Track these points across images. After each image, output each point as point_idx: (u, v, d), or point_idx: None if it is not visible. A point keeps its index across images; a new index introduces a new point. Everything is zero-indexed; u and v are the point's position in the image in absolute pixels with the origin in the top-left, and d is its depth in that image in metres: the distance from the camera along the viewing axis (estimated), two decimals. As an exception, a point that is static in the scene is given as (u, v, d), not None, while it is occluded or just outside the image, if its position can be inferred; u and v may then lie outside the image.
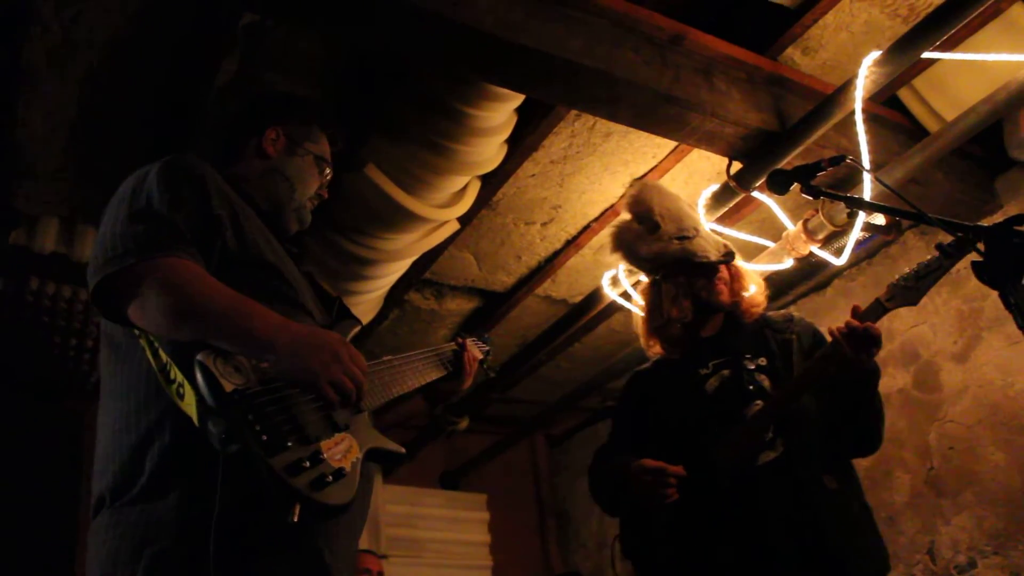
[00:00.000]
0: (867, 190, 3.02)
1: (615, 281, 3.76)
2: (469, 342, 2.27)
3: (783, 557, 2.16)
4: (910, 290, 2.21)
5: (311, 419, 1.52)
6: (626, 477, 2.34)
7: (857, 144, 2.98)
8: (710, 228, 3.33)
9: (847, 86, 2.80)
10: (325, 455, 1.49)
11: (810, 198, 2.14)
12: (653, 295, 2.71)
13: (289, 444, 1.44)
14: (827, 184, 3.23)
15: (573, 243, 4.06)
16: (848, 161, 2.19)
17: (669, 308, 2.60)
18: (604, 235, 4.00)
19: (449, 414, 5.42)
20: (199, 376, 1.42)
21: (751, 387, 2.38)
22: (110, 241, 1.58)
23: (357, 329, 1.90)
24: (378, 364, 1.86)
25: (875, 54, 2.72)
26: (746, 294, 2.60)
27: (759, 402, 2.35)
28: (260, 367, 1.50)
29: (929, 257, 2.20)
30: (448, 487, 5.92)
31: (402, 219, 3.37)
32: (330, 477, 1.46)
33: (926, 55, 2.71)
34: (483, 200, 3.61)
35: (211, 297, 1.52)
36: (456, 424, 5.46)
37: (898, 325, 3.93)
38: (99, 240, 1.62)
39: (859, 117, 2.84)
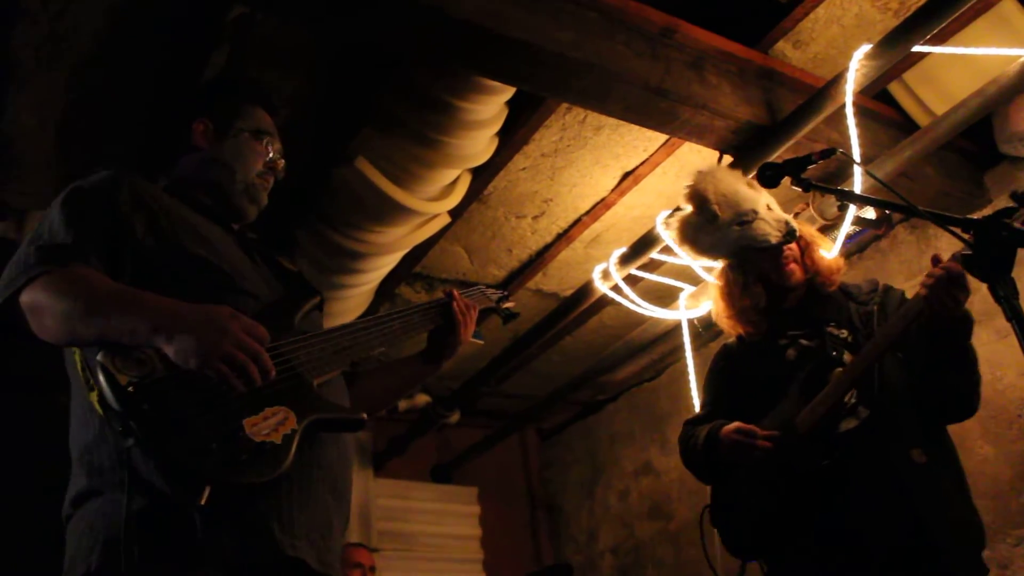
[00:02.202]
0: (858, 184, 3.02)
1: (606, 275, 3.75)
2: (459, 292, 2.12)
3: (871, 533, 2.14)
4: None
5: (232, 397, 1.46)
6: (716, 440, 2.36)
7: (848, 138, 2.98)
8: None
9: (838, 80, 2.80)
10: (246, 432, 1.43)
11: (801, 191, 2.14)
12: (725, 282, 2.65)
13: (195, 427, 1.39)
14: (818, 178, 3.24)
15: (564, 236, 4.06)
16: (839, 154, 2.19)
17: (741, 296, 2.57)
18: (596, 228, 4.04)
19: (440, 407, 5.42)
20: (100, 376, 1.39)
21: (833, 353, 2.35)
22: (9, 268, 1.60)
23: (316, 300, 1.83)
24: (337, 329, 1.76)
25: (866, 47, 2.72)
26: (821, 264, 2.54)
27: (840, 369, 2.31)
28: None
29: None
30: (439, 481, 5.91)
31: (392, 212, 3.36)
32: (244, 456, 1.41)
33: (916, 49, 2.72)
34: (474, 193, 3.60)
35: (92, 296, 1.51)
36: (447, 417, 5.46)
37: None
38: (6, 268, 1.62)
39: (849, 111, 2.84)
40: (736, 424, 2.33)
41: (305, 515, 1.57)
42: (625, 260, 3.66)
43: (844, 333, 2.39)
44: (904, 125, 3.42)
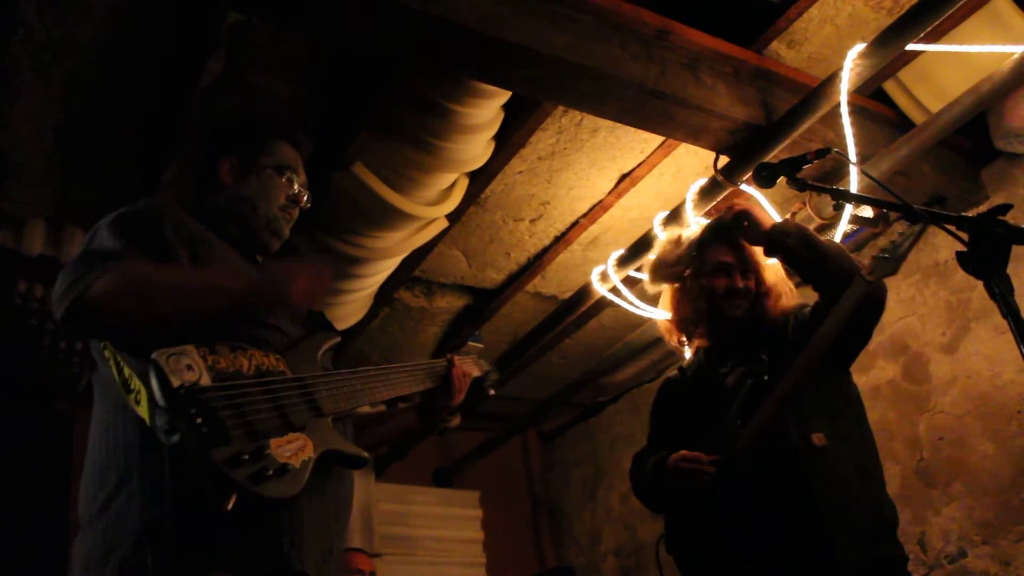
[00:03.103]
0: (854, 183, 3.04)
1: (604, 277, 3.76)
2: (459, 359, 2.32)
3: (776, 526, 2.19)
4: (889, 261, 2.24)
5: (263, 417, 1.57)
6: (664, 470, 2.40)
7: (843, 137, 2.99)
8: (696, 222, 3.35)
9: (832, 79, 2.81)
10: (272, 451, 1.53)
11: (797, 191, 2.16)
12: (679, 289, 2.72)
13: (232, 438, 1.49)
14: (814, 177, 3.27)
15: (562, 239, 4.07)
16: (834, 153, 2.21)
17: (687, 306, 2.64)
18: (593, 231, 4.04)
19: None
20: (152, 373, 1.48)
21: (765, 377, 2.39)
22: (66, 275, 1.66)
23: (336, 340, 1.96)
24: (353, 372, 1.89)
25: (860, 46, 2.73)
26: (765, 289, 2.58)
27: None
28: (216, 367, 1.56)
29: (903, 229, 2.23)
30: (441, 485, 5.90)
31: (391, 217, 3.37)
32: (271, 472, 1.49)
33: (910, 47, 2.73)
34: (471, 197, 3.61)
35: (170, 276, 1.67)
36: (448, 421, 5.46)
37: (887, 317, 3.91)
38: (58, 281, 1.69)
39: (844, 110, 2.85)
40: (683, 452, 2.37)
41: (313, 537, 1.66)
42: (623, 262, 3.67)
43: (766, 357, 2.44)
44: (899, 123, 3.43)
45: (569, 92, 2.76)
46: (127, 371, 1.60)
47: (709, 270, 2.58)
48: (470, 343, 4.67)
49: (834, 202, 3.11)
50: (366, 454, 1.77)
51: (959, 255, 1.70)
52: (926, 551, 3.64)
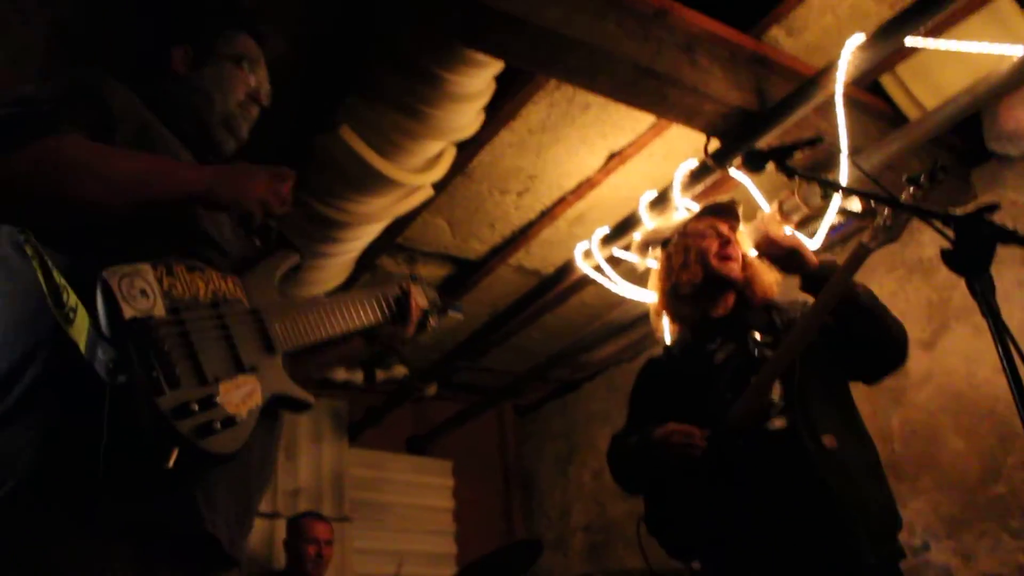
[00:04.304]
0: (844, 175, 3.02)
1: (588, 254, 3.74)
2: (415, 288, 2.10)
3: (788, 524, 2.15)
4: (891, 228, 2.20)
5: (214, 355, 1.43)
6: (650, 444, 2.34)
7: (836, 128, 2.97)
8: (685, 206, 3.33)
9: (829, 69, 2.78)
10: (220, 399, 1.39)
11: (787, 179, 2.13)
12: (664, 259, 2.67)
13: (182, 383, 1.35)
14: (805, 167, 3.25)
15: (548, 214, 4.04)
16: (825, 143, 2.19)
17: (678, 272, 2.57)
18: (580, 207, 4.01)
19: (417, 379, 5.41)
20: (100, 297, 1.31)
21: (756, 353, 2.37)
22: None
23: (294, 260, 1.77)
24: (306, 303, 1.74)
25: (859, 38, 2.70)
26: (758, 277, 2.55)
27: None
28: (172, 293, 1.41)
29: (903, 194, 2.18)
30: (414, 452, 5.92)
31: (375, 183, 3.32)
32: (218, 424, 1.37)
33: (909, 42, 2.69)
34: (458, 167, 3.56)
35: (111, 156, 1.46)
36: (424, 389, 5.45)
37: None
38: None
39: (839, 101, 2.82)
40: (670, 425, 2.32)
41: (229, 494, 1.51)
42: (607, 240, 3.65)
43: (768, 338, 2.41)
44: (893, 118, 3.41)
45: (560, 65, 2.72)
46: (58, 279, 1.36)
47: (701, 233, 2.55)
48: (451, 312, 4.67)
49: (822, 192, 3.12)
50: (311, 398, 1.62)
51: (944, 252, 1.68)
52: (891, 545, 3.67)
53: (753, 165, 2.19)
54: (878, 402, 3.84)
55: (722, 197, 2.66)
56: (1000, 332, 1.58)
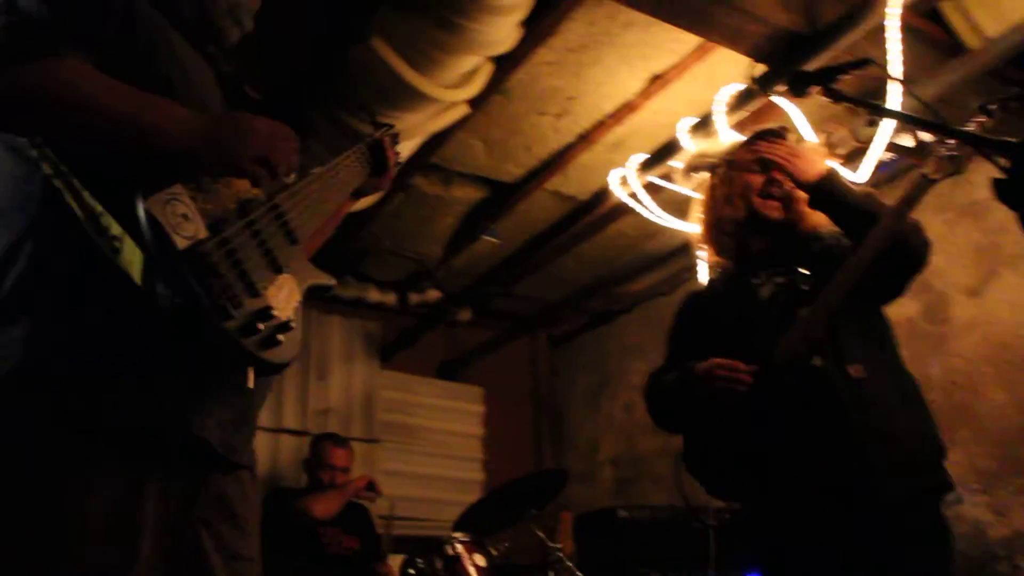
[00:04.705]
0: (896, 106, 2.84)
1: (625, 181, 3.62)
2: (385, 136, 2.04)
3: (817, 460, 2.07)
4: (956, 159, 2.05)
5: (257, 263, 1.41)
6: (692, 380, 2.24)
7: (889, 55, 2.79)
8: (726, 131, 3.19)
9: (889, -13, 2.60)
10: (274, 308, 1.39)
11: (834, 110, 1.99)
12: (710, 190, 2.54)
13: (243, 303, 1.34)
14: (855, 96, 3.08)
15: (586, 138, 3.91)
16: (876, 71, 2.04)
17: (722, 205, 2.45)
18: (619, 132, 3.88)
19: (450, 304, 5.38)
20: (147, 231, 1.27)
21: (804, 287, 2.24)
22: None
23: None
24: (304, 182, 1.67)
25: (919, -45, 2.52)
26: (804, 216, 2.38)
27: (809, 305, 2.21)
28: (206, 210, 1.37)
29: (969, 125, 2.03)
30: (445, 377, 5.91)
31: (407, 97, 3.23)
32: (278, 333, 1.37)
33: (975, -40, 2.50)
34: (495, 84, 3.44)
35: (117, 97, 1.36)
36: (457, 314, 5.42)
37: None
38: None
39: (893, 24, 2.64)
40: (714, 360, 2.20)
41: (224, 401, 1.48)
42: (645, 166, 3.53)
43: (811, 271, 2.26)
44: (952, 47, 3.19)
45: (600, -24, 2.59)
46: (93, 204, 1.33)
47: (747, 165, 2.42)
48: (485, 237, 4.62)
49: (872, 126, 2.96)
50: (333, 279, 1.65)
51: (996, 183, 1.55)
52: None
53: (797, 88, 2.06)
54: (919, 348, 3.71)
55: (770, 124, 2.51)
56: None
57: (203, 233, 1.34)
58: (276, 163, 1.48)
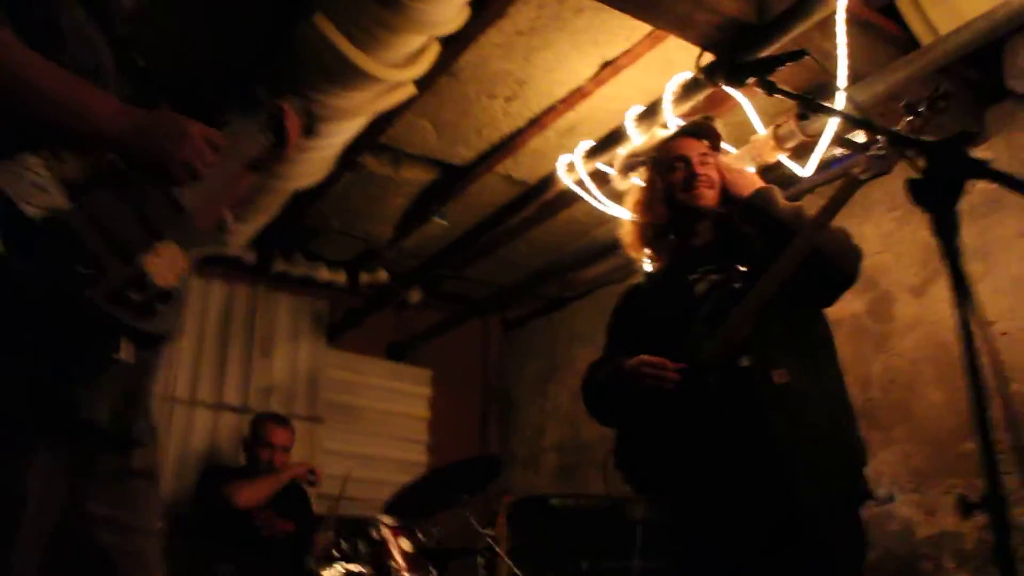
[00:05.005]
0: (840, 101, 2.81)
1: (572, 168, 3.57)
2: (289, 107, 2.03)
3: (736, 463, 2.06)
4: (883, 158, 2.03)
5: (130, 230, 1.38)
6: (623, 375, 2.22)
7: (844, 44, 2.75)
8: (675, 124, 3.14)
9: (836, -19, 2.56)
10: (152, 274, 1.36)
11: (765, 94, 1.95)
12: (639, 191, 2.54)
13: (110, 270, 1.31)
14: (803, 90, 3.04)
15: (537, 123, 3.86)
16: (808, 59, 2.01)
17: (647, 209, 2.47)
18: (570, 118, 3.83)
19: (400, 284, 5.31)
20: None
21: (736, 286, 2.22)
22: None
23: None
24: None
25: (867, -51, 2.48)
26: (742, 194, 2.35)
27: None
28: (66, 176, 1.33)
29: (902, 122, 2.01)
30: (394, 358, 5.83)
31: (351, 76, 3.14)
32: (157, 303, 1.35)
33: (923, -43, 2.47)
34: (443, 65, 3.37)
35: (40, 76, 1.34)
36: (406, 295, 5.35)
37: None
38: None
39: (840, 18, 2.60)
40: (641, 357, 2.19)
41: (114, 379, 1.44)
42: (592, 154, 3.49)
43: (745, 268, 2.24)
44: (906, 43, 3.17)
45: (544, -42, 2.52)
46: None
47: (667, 165, 2.40)
48: (435, 219, 4.55)
49: (801, 115, 2.94)
50: (229, 246, 1.63)
51: (910, 183, 1.53)
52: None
53: (734, 78, 2.05)
54: (862, 346, 3.72)
55: (698, 116, 2.48)
56: (958, 275, 1.45)
57: (60, 202, 1.30)
58: (200, 170, 1.47)
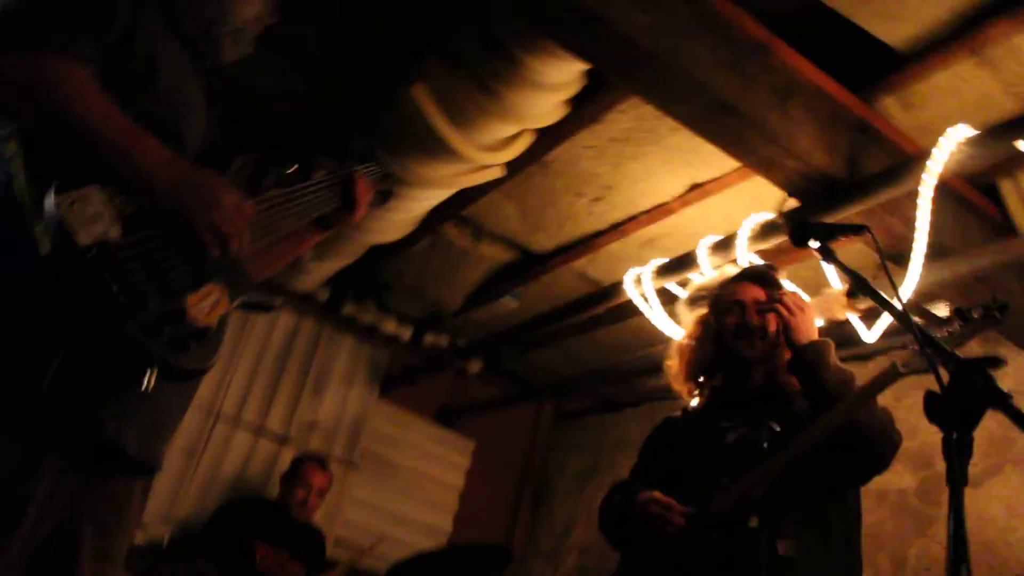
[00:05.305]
0: (914, 275, 2.70)
1: (639, 280, 3.54)
2: (361, 174, 2.06)
3: None
4: (923, 357, 1.96)
5: (178, 269, 1.43)
6: (632, 505, 2.19)
7: (926, 220, 2.67)
8: (747, 261, 3.09)
9: (926, 155, 2.50)
10: (189, 312, 1.41)
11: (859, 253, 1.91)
12: (688, 338, 2.54)
13: (149, 302, 1.36)
14: (887, 252, 2.95)
15: (618, 228, 3.86)
16: (865, 234, 1.95)
17: (693, 351, 2.46)
18: (652, 230, 3.82)
19: (462, 352, 5.32)
20: (51, 226, 1.29)
21: (764, 446, 2.16)
22: None
23: (251, 163, 1.75)
24: (261, 201, 1.68)
25: (964, 130, 2.41)
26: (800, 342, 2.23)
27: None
28: (125, 211, 1.39)
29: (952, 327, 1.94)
30: (441, 423, 5.82)
31: (440, 150, 3.22)
32: (191, 340, 1.40)
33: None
34: (534, 154, 3.43)
35: (100, 120, 1.40)
36: (467, 364, 5.35)
37: (924, 425, 3.59)
38: None
39: (926, 192, 2.52)
40: (655, 493, 2.13)
41: (144, 404, 1.49)
42: (661, 272, 3.44)
43: (779, 428, 2.16)
44: (1003, 227, 3.06)
45: (638, 79, 2.54)
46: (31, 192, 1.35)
47: (723, 307, 2.38)
48: (507, 297, 4.58)
49: (851, 288, 2.87)
50: (278, 300, 1.69)
51: (928, 396, 1.46)
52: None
53: (797, 237, 2.00)
54: (902, 524, 3.54)
55: (761, 264, 2.45)
56: (956, 505, 1.40)
57: (115, 233, 1.35)
58: (229, 237, 1.49)
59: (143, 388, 1.35)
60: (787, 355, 2.28)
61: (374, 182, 2.14)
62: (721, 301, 2.42)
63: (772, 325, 2.31)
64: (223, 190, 1.50)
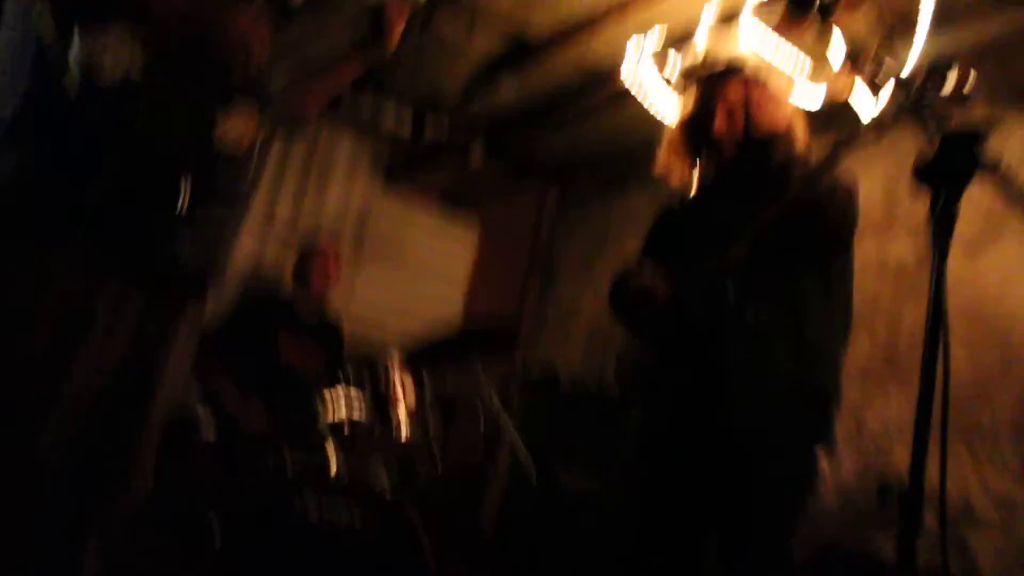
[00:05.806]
0: (919, 42, 2.61)
1: (640, 52, 3.42)
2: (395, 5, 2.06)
3: (695, 381, 2.12)
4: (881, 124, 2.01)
5: (206, 93, 1.55)
6: (625, 282, 2.27)
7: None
8: (753, 22, 2.98)
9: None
10: (221, 133, 1.55)
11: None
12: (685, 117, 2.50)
13: (174, 126, 1.50)
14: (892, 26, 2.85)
15: (619, 9, 3.72)
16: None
17: (680, 132, 2.46)
18: (650, 12, 3.66)
19: (463, 140, 5.29)
20: (80, 64, 1.37)
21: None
22: None
23: None
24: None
25: None
26: (766, 127, 2.29)
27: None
28: (150, 47, 1.45)
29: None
30: (447, 203, 5.88)
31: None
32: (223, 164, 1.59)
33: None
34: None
35: None
36: (468, 151, 5.32)
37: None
38: None
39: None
40: (645, 272, 2.22)
41: (192, 222, 1.59)
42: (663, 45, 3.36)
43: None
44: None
45: None
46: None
47: (706, 94, 2.37)
48: (505, 84, 4.49)
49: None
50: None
51: (917, 159, 1.50)
52: (861, 432, 3.59)
53: (796, 7, 1.96)
54: (900, 292, 3.65)
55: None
56: (940, 264, 1.46)
57: (138, 66, 1.44)
58: (253, 50, 1.60)
59: (179, 208, 1.46)
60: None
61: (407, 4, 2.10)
62: (705, 89, 2.41)
63: (740, 117, 2.30)
64: (236, 7, 1.58)
